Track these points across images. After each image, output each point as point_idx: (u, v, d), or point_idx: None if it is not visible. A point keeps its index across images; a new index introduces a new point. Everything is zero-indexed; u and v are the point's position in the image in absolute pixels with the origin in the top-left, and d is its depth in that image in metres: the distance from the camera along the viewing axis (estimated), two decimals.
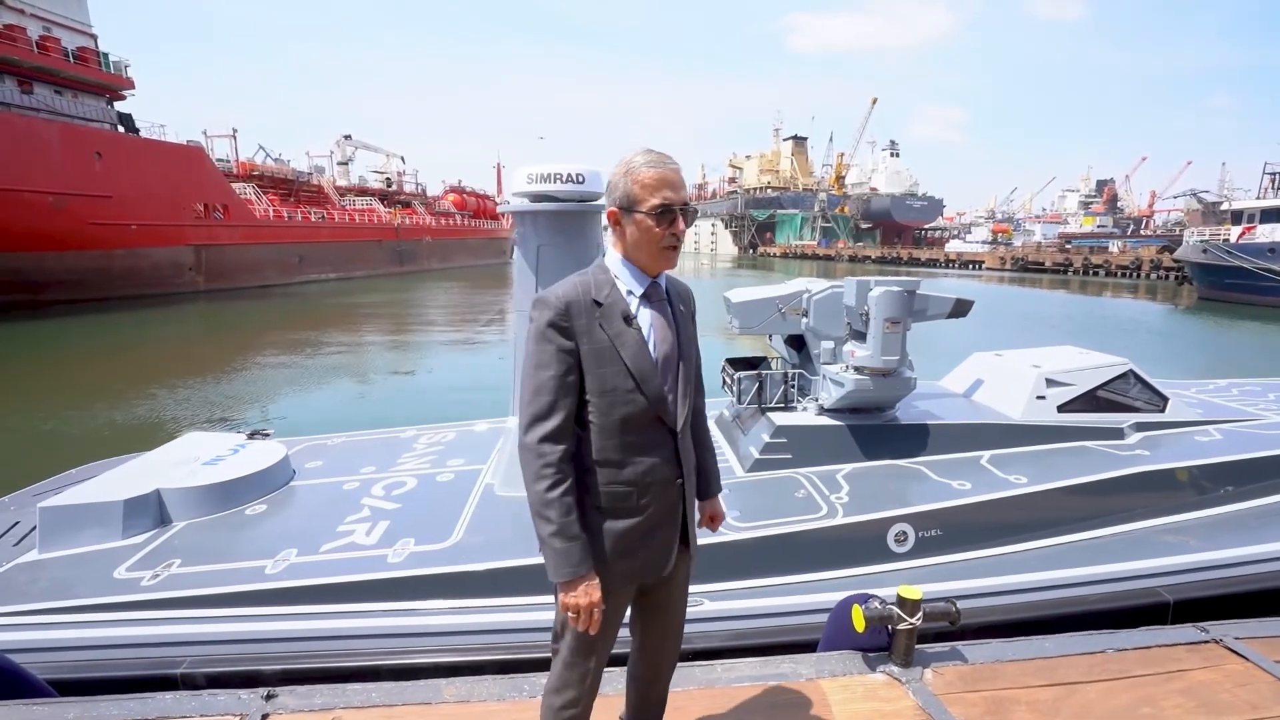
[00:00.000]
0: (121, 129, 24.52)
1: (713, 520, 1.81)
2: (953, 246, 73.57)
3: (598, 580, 1.42)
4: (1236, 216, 29.01)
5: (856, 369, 3.57)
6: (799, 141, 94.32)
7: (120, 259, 22.46)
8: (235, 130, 36.93)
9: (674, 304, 1.56)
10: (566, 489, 1.40)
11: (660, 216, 1.41)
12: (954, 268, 57.82)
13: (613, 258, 1.50)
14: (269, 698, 2.01)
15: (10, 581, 3.10)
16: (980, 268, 55.82)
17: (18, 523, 3.80)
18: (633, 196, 1.42)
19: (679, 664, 2.30)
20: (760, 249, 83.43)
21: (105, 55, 24.66)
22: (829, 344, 3.81)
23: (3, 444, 8.32)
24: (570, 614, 1.42)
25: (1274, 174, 31.85)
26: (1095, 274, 46.89)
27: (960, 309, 3.97)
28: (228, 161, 35.02)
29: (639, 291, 1.48)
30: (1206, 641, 2.49)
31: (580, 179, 3.58)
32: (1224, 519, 3.41)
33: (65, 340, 16.05)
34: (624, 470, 1.46)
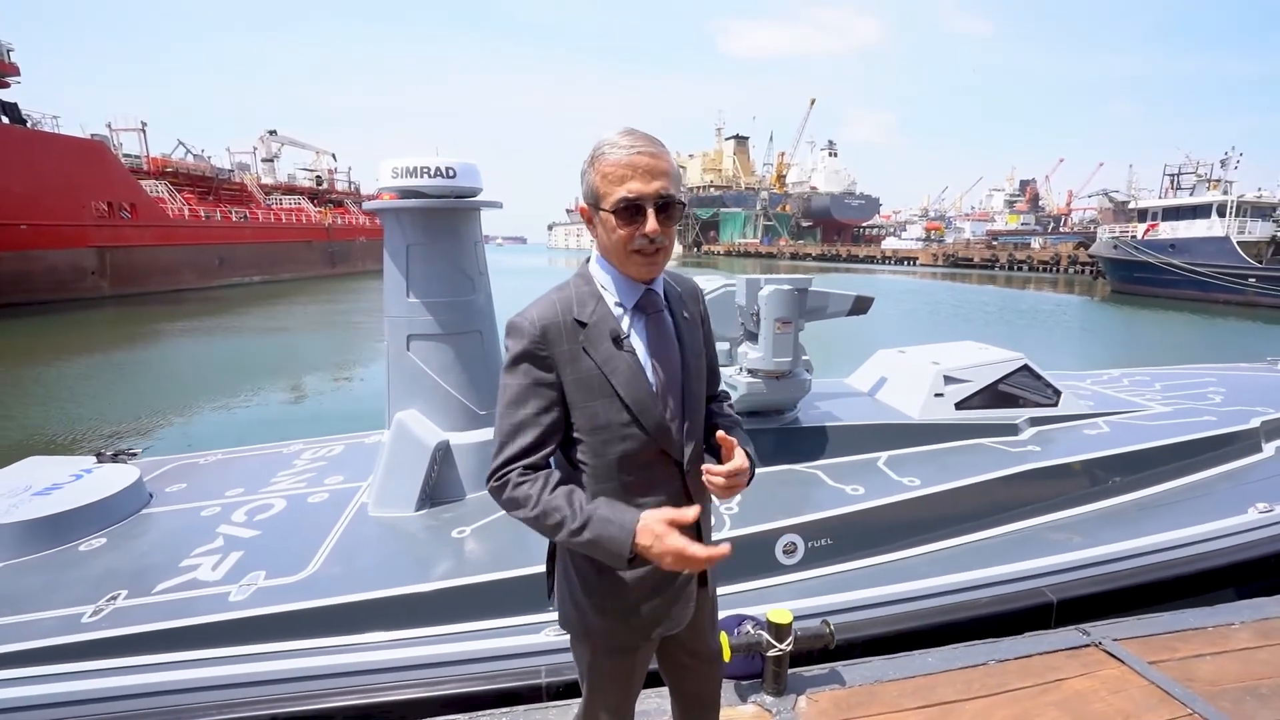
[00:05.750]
0: (5, 119, 22.47)
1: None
2: (889, 244, 76.16)
3: (650, 518, 1.12)
4: (1142, 215, 30.97)
5: (750, 371, 3.42)
6: (741, 141, 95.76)
7: (8, 262, 20.57)
8: (144, 124, 34.19)
9: (675, 311, 1.30)
10: (558, 481, 1.17)
11: (624, 214, 1.13)
12: (890, 264, 59.84)
13: (598, 264, 1.25)
14: None
15: None
16: (915, 264, 57.98)
17: None
18: (597, 190, 1.15)
19: (528, 706, 2.09)
20: (704, 247, 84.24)
21: None
22: (724, 345, 3.66)
23: None
24: (671, 558, 1.11)
25: (1173, 175, 34.18)
26: (1019, 269, 49.37)
27: (860, 305, 3.89)
28: (137, 157, 32.65)
29: (630, 304, 1.23)
30: (1086, 645, 2.43)
31: (451, 173, 3.30)
32: (1107, 513, 3.42)
33: None
34: None
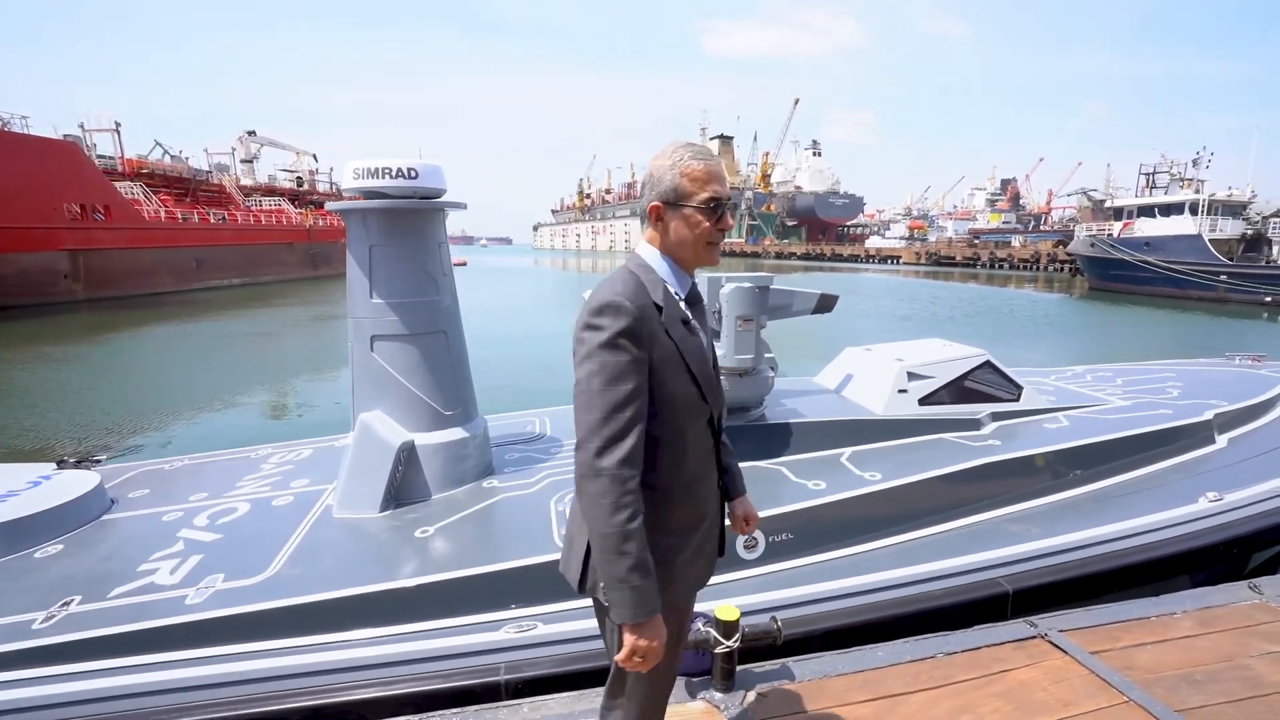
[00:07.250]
0: None
1: (748, 522, 1.72)
2: (873, 243, 76.80)
3: (663, 631, 1.31)
4: (1118, 213, 31.50)
5: None
6: (725, 141, 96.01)
7: None
8: (118, 124, 33.38)
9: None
10: (642, 518, 1.27)
11: (711, 211, 1.36)
12: (874, 262, 60.32)
13: (654, 256, 1.39)
14: None
15: None
16: (898, 262, 58.51)
17: None
18: (682, 190, 1.35)
19: (479, 706, 2.09)
20: None
21: None
22: None
23: None
24: (635, 658, 1.27)
25: (1148, 174, 34.77)
26: (1000, 267, 50.05)
27: (825, 304, 3.92)
28: (111, 159, 32.07)
29: (684, 294, 1.41)
30: (1033, 637, 2.48)
31: (413, 174, 3.29)
32: (1065, 505, 3.49)
33: None
34: (693, 486, 1.42)
